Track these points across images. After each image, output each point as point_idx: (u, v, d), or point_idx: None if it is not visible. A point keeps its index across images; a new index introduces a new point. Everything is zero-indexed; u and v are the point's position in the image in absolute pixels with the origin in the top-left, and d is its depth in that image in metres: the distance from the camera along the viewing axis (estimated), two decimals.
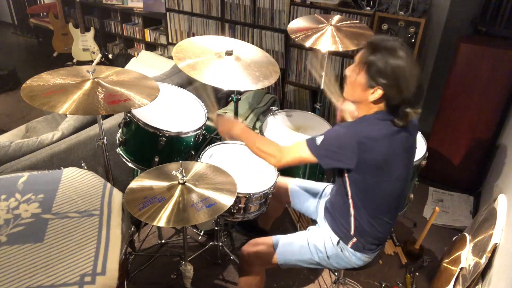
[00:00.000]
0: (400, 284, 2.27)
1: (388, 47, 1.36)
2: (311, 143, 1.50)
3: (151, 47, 4.65)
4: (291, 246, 1.71)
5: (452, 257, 2.09)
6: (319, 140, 1.47)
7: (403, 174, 1.53)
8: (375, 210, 1.55)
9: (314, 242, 1.68)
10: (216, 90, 3.12)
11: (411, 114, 1.41)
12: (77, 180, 1.60)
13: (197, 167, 1.70)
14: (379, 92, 1.39)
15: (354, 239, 1.60)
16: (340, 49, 2.20)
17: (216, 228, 2.21)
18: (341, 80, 2.88)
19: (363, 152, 1.40)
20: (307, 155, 1.49)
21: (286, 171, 2.06)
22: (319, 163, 1.51)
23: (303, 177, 2.13)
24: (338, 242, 1.64)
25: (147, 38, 4.58)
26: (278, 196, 1.98)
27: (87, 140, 2.16)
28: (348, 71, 1.49)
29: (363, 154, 1.40)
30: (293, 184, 1.98)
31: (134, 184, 1.58)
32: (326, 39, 2.27)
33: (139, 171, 2.06)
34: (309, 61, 2.62)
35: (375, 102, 1.43)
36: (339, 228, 1.64)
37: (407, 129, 1.47)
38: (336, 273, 2.07)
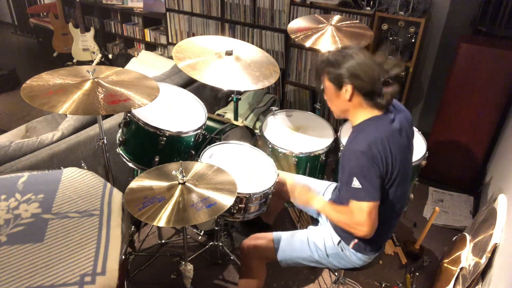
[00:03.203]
0: (400, 284, 2.27)
1: (331, 60, 1.50)
2: (354, 193, 1.44)
3: (151, 47, 4.65)
4: (291, 243, 1.71)
5: (452, 257, 2.09)
6: (355, 182, 1.43)
7: (407, 171, 1.54)
8: (380, 212, 1.54)
9: (314, 240, 1.69)
10: (216, 90, 3.14)
11: (388, 92, 1.47)
12: (77, 180, 1.60)
13: (197, 167, 1.71)
14: (349, 86, 1.47)
15: (356, 240, 1.60)
16: None
17: (216, 228, 2.21)
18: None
19: (379, 158, 1.42)
20: (367, 205, 1.43)
21: (286, 169, 2.07)
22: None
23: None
24: (339, 242, 1.64)
25: (147, 38, 4.58)
26: (278, 191, 1.98)
27: (87, 140, 2.16)
28: (324, 96, 1.60)
29: (379, 160, 1.42)
30: (294, 180, 1.97)
31: (134, 184, 1.58)
32: (326, 39, 2.27)
33: (139, 171, 2.06)
34: None
35: (351, 99, 1.49)
36: (341, 229, 1.63)
37: (402, 125, 1.51)
38: (336, 273, 2.07)
